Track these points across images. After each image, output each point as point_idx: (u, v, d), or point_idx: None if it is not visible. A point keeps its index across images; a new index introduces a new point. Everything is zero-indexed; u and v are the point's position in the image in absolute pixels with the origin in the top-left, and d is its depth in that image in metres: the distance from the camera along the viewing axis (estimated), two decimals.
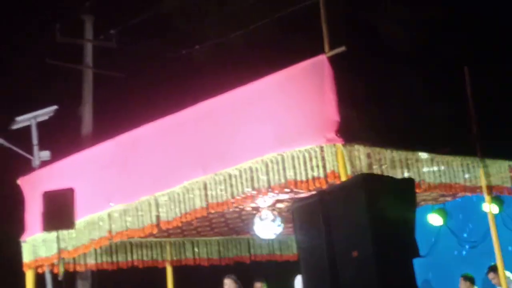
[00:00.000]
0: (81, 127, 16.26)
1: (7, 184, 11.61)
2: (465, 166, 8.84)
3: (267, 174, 7.84)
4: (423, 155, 8.37)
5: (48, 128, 13.41)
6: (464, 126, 8.79)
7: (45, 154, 13.07)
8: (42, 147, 13.33)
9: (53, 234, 8.96)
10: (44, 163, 12.48)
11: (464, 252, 12.25)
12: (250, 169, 7.98)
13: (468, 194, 9.62)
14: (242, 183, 8.09)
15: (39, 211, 8.82)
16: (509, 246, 9.63)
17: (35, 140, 13.29)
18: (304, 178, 7.55)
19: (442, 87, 9.00)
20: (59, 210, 8.25)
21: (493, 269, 10.50)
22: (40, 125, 13.39)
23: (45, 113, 13.31)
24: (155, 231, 9.16)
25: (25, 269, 10.50)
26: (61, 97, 14.96)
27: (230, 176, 8.18)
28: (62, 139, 12.05)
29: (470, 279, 11.43)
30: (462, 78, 8.97)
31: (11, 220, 11.68)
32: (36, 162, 13.17)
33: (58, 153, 11.09)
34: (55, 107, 13.26)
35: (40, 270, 10.80)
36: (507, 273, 10.03)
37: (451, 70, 9.17)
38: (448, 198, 11.32)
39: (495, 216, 9.52)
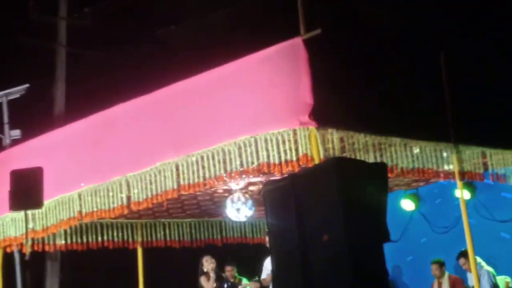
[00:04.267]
0: (53, 106, 16.07)
1: None
2: (438, 152, 8.84)
3: (240, 156, 7.78)
4: (396, 140, 8.34)
5: (19, 107, 13.22)
6: (438, 112, 8.78)
7: (16, 133, 12.91)
8: (13, 125, 13.16)
9: (22, 214, 8.86)
10: (14, 142, 12.33)
11: (435, 238, 12.26)
12: (223, 151, 7.92)
13: (441, 180, 9.64)
14: (214, 165, 8.03)
15: (8, 191, 8.70)
16: (479, 233, 9.66)
17: (6, 118, 13.12)
18: (277, 161, 7.52)
19: (418, 72, 8.96)
20: (27, 189, 8.12)
21: (464, 254, 10.55)
22: (11, 103, 13.21)
23: (16, 91, 13.13)
24: (125, 212, 9.11)
25: None
26: (33, 75, 14.74)
27: (202, 158, 8.11)
28: (34, 118, 11.88)
29: (441, 264, 11.49)
30: (438, 64, 8.95)
31: None
32: (6, 140, 13.01)
33: (29, 132, 10.95)
34: (27, 85, 13.09)
35: (8, 250, 10.70)
36: (478, 259, 10.08)
37: (427, 55, 9.12)
38: (421, 184, 11.36)
39: (467, 202, 9.54)
